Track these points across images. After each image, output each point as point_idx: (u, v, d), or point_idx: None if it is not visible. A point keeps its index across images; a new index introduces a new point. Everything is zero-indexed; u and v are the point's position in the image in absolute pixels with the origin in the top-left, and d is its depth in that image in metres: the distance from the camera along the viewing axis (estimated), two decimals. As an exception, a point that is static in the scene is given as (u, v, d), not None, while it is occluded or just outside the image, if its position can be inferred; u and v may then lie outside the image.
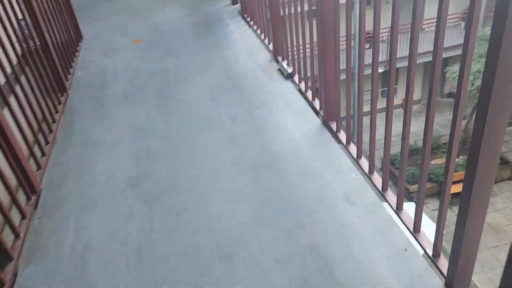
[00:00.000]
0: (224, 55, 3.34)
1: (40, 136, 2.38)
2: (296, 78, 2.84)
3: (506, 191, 12.58)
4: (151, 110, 2.69)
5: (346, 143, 2.14)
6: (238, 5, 4.35)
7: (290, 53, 2.91)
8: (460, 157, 13.43)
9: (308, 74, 2.61)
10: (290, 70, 2.86)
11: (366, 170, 1.94)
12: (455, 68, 12.58)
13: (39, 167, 2.21)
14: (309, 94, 2.62)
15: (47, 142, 2.42)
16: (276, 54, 3.17)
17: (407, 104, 1.63)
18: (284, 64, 2.96)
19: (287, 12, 2.81)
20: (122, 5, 4.95)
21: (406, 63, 1.62)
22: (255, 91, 2.77)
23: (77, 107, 2.84)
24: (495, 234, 10.75)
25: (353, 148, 2.09)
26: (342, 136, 2.20)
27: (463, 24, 15.20)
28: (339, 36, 2.04)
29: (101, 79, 3.16)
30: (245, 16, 4.05)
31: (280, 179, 1.98)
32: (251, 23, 3.87)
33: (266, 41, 3.45)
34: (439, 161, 13.19)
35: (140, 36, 3.92)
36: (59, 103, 2.84)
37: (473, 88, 11.79)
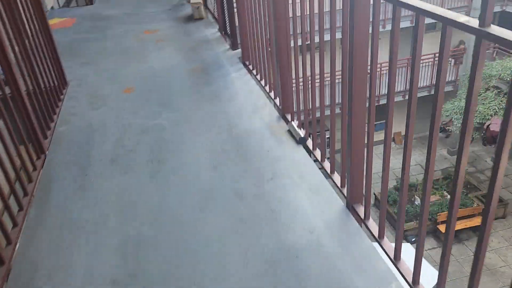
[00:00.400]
0: (225, 109, 3.00)
1: (5, 216, 1.97)
2: (310, 142, 2.50)
3: (501, 230, 12.33)
4: (143, 181, 2.31)
5: (379, 236, 1.78)
6: (239, 50, 4.07)
7: (301, 108, 2.59)
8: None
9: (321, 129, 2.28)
10: (302, 133, 2.52)
11: (409, 278, 1.58)
12: (448, 106, 12.53)
13: (1, 261, 1.79)
14: (327, 165, 2.28)
15: (15, 224, 2.00)
16: (284, 111, 2.84)
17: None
18: (295, 125, 2.63)
19: (300, 42, 2.41)
20: (114, 45, 4.63)
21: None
22: (264, 158, 2.41)
23: (55, 174, 2.44)
24: (491, 276, 10.40)
25: (389, 246, 1.73)
26: (373, 226, 1.84)
27: (452, 61, 15.34)
28: (375, 81, 1.69)
29: (85, 137, 2.78)
30: (247, 63, 3.75)
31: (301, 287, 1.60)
32: (254, 71, 3.57)
33: (272, 94, 3.14)
34: (432, 198, 12.98)
35: (131, 82, 3.58)
36: (34, 168, 2.44)
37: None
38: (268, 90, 3.21)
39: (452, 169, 13.83)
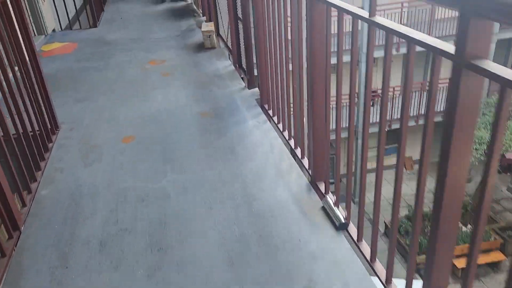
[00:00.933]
0: (242, 172, 2.48)
1: None
2: (352, 229, 1.97)
3: (518, 265, 11.60)
4: (137, 282, 1.78)
5: None
6: (256, 90, 3.58)
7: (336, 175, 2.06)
8: (469, 226, 12.60)
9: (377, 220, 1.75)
10: (342, 216, 1.99)
11: None
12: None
13: None
14: (381, 269, 1.74)
15: None
16: (316, 178, 2.32)
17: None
18: (331, 201, 2.10)
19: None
20: (116, 77, 4.16)
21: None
22: (294, 252, 1.88)
23: (28, 263, 1.91)
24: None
25: None
26: None
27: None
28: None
29: (71, 207, 2.26)
30: (265, 107, 3.25)
31: None
32: (274, 119, 3.06)
33: (298, 152, 2.62)
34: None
35: (132, 128, 3.08)
36: (2, 255, 1.92)
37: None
38: (293, 146, 2.70)
39: (466, 198, 13.18)
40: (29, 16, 5.36)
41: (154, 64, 4.45)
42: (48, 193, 2.40)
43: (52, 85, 3.90)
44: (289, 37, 2.49)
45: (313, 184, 2.31)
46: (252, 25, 3.43)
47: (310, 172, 2.38)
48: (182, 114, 3.24)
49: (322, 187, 2.26)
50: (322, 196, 2.22)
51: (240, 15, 3.78)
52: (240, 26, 3.87)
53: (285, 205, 2.17)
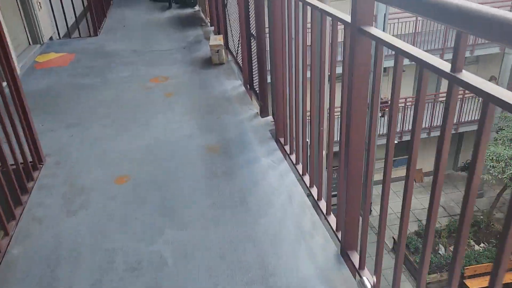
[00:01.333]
0: (255, 231, 2.05)
1: None
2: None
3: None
4: None
5: None
6: (269, 118, 3.15)
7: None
8: (482, 244, 12.11)
9: None
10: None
11: None
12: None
13: None
14: None
15: None
16: (348, 247, 1.88)
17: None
18: (369, 284, 1.66)
19: None
20: (113, 96, 3.74)
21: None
22: None
23: None
24: None
25: None
26: None
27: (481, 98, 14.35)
28: None
29: (46, 276, 1.84)
30: (281, 141, 2.82)
31: None
32: (292, 157, 2.63)
33: (323, 206, 2.18)
34: (458, 246, 11.81)
35: (127, 165, 2.66)
36: None
37: (504, 176, 10.65)
38: (315, 196, 2.26)
39: (477, 214, 12.65)
40: (23, 23, 4.98)
41: (157, 81, 4.03)
42: (21, 253, 1.97)
43: (41, 105, 3.52)
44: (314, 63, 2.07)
45: (344, 253, 1.88)
46: (267, 44, 3.00)
47: (339, 237, 1.94)
48: (185, 148, 2.82)
49: (355, 259, 1.82)
50: (355, 270, 1.79)
51: (253, 32, 3.36)
52: (254, 44, 3.45)
53: (309, 283, 1.74)
